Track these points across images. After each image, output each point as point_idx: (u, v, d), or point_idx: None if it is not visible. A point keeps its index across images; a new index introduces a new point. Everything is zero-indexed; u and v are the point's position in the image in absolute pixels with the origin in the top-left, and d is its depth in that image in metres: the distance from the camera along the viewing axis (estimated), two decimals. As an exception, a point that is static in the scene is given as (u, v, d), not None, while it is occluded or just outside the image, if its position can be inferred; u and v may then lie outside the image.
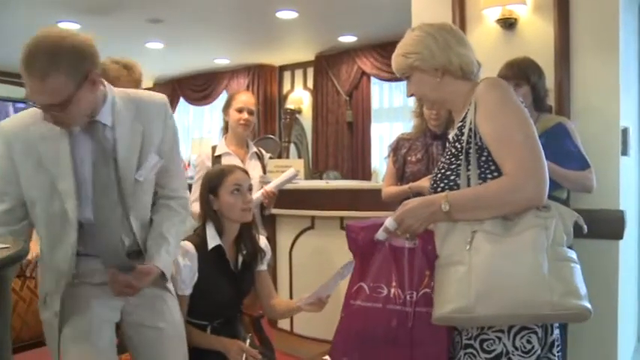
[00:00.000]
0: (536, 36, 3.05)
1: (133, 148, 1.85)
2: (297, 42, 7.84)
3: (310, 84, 8.74)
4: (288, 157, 7.63)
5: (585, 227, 1.49)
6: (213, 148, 3.19)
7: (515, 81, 2.52)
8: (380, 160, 7.72)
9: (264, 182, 3.08)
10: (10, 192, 1.83)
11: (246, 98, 3.20)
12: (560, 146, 2.51)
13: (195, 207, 2.96)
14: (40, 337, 2.04)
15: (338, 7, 6.06)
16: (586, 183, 2.55)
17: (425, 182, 2.52)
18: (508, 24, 3.11)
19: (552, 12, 2.98)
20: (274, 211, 3.44)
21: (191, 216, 3.03)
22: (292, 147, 8.12)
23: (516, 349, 1.50)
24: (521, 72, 2.59)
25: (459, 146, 1.62)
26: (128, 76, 2.61)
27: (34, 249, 1.96)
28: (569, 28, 2.93)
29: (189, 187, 3.16)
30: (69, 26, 6.53)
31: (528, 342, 1.50)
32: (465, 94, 1.65)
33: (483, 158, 1.58)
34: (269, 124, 8.97)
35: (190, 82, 9.98)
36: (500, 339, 1.52)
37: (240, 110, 3.15)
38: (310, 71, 8.72)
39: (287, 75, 9.16)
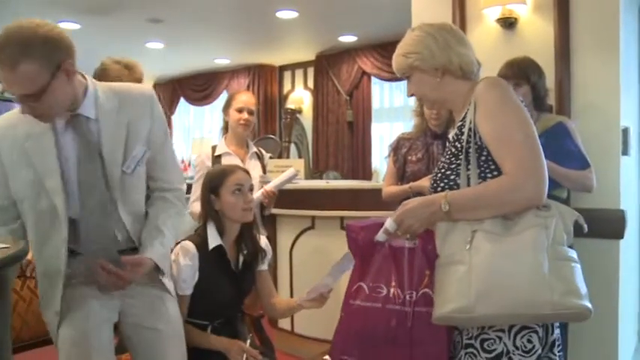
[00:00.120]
0: (537, 35, 3.04)
1: (118, 140, 1.84)
2: (297, 42, 7.84)
3: (311, 84, 8.75)
4: (288, 157, 7.63)
5: (586, 226, 1.49)
6: (213, 148, 3.19)
7: (515, 80, 2.52)
8: (380, 160, 7.72)
9: (264, 182, 3.08)
10: (0, 192, 1.84)
11: (246, 98, 3.20)
12: (560, 146, 2.50)
13: (195, 207, 2.97)
14: (40, 337, 2.05)
15: (338, 7, 6.06)
16: (586, 182, 2.55)
17: (425, 182, 2.52)
18: (508, 23, 3.11)
19: (552, 11, 2.98)
20: (275, 211, 3.44)
21: (191, 216, 3.04)
22: (293, 147, 8.12)
23: (517, 348, 1.50)
24: (521, 71, 2.59)
25: (458, 146, 1.62)
26: (129, 75, 2.61)
27: None
28: (570, 28, 2.93)
29: (189, 187, 3.17)
30: (69, 26, 6.53)
31: (529, 341, 1.50)
32: (465, 93, 1.65)
33: (483, 158, 1.57)
34: (269, 124, 8.97)
35: (191, 82, 9.98)
36: (500, 338, 1.52)
37: (240, 110, 3.15)
38: (310, 71, 8.73)
39: (287, 75, 9.17)
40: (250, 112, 3.16)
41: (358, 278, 1.78)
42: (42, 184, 1.77)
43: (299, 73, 9.00)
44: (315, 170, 8.07)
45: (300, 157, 8.08)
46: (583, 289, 1.42)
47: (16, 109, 1.78)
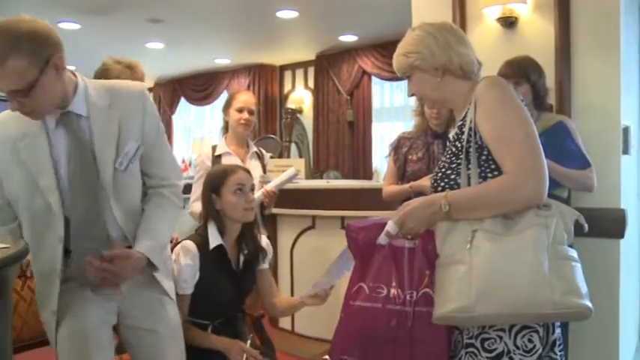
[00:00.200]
0: (537, 35, 3.04)
1: (110, 136, 1.82)
2: (297, 41, 7.84)
3: (311, 83, 8.75)
4: (289, 156, 7.64)
5: (586, 226, 1.49)
6: (214, 148, 3.19)
7: (515, 79, 2.52)
8: (381, 160, 7.72)
9: (264, 182, 3.08)
10: None
11: (246, 98, 3.20)
12: (560, 145, 2.50)
13: (195, 207, 2.97)
14: (41, 337, 2.04)
15: (338, 7, 6.06)
16: (587, 182, 2.55)
17: (426, 181, 2.52)
18: (508, 23, 3.11)
19: (553, 11, 2.98)
20: (275, 210, 3.44)
21: (191, 216, 3.04)
22: (293, 146, 8.12)
23: (517, 348, 1.50)
24: (521, 70, 2.59)
25: (459, 145, 1.62)
26: (131, 75, 2.61)
27: None
28: (570, 27, 2.93)
29: (190, 186, 3.17)
30: (69, 26, 6.54)
31: (530, 341, 1.50)
32: (465, 93, 1.65)
33: (483, 157, 1.57)
34: (270, 124, 8.97)
35: (191, 82, 9.99)
36: (501, 338, 1.51)
37: (240, 110, 3.15)
38: (311, 71, 8.73)
39: (288, 74, 9.17)
40: (250, 112, 3.16)
41: (358, 279, 1.78)
42: (36, 184, 1.76)
43: (299, 72, 9.00)
44: (315, 170, 8.07)
45: (300, 156, 8.08)
46: (583, 288, 1.42)
47: (9, 109, 1.77)
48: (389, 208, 2.77)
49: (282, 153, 7.45)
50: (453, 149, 1.65)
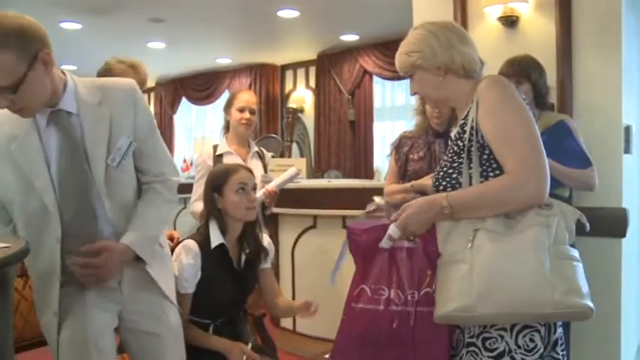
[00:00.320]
0: (538, 34, 3.04)
1: (101, 133, 1.81)
2: (298, 41, 7.84)
3: (312, 83, 8.75)
4: (290, 156, 7.64)
5: (588, 225, 1.49)
6: (215, 148, 3.19)
7: (515, 78, 2.52)
8: (382, 159, 7.72)
9: (265, 181, 3.08)
10: None
11: (247, 97, 3.20)
12: (562, 144, 2.50)
13: (197, 206, 2.97)
14: (42, 337, 2.04)
15: (339, 6, 6.06)
16: (588, 181, 2.54)
17: (427, 180, 2.51)
18: (510, 22, 3.11)
19: (554, 9, 2.97)
20: (276, 210, 3.44)
21: (192, 215, 3.04)
22: (294, 146, 8.12)
23: (519, 347, 1.50)
24: (521, 69, 2.58)
25: (460, 144, 1.62)
26: (134, 75, 2.62)
27: None
28: (571, 26, 2.92)
29: (191, 186, 3.17)
30: (71, 26, 6.55)
31: (531, 340, 1.50)
32: (467, 92, 1.65)
33: (485, 156, 1.57)
34: (271, 124, 8.97)
35: (192, 82, 9.99)
36: (502, 337, 1.52)
37: (241, 110, 3.15)
38: (312, 70, 8.72)
39: (289, 74, 9.17)
40: (252, 112, 3.16)
41: (360, 281, 1.77)
42: (30, 184, 1.75)
43: (301, 72, 9.00)
44: (317, 169, 8.07)
45: (302, 156, 8.08)
46: (585, 288, 1.42)
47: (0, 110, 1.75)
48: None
49: (283, 152, 7.44)
50: (455, 148, 1.65)
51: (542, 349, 1.51)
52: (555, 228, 1.46)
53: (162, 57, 8.31)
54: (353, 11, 6.26)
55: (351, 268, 1.86)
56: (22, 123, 1.75)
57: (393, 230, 1.62)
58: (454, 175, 1.62)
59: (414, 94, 1.79)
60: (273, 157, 3.52)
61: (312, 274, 3.84)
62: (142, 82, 2.67)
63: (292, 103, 8.84)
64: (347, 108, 8.21)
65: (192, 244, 2.26)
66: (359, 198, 3.66)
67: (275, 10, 6.17)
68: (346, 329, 1.78)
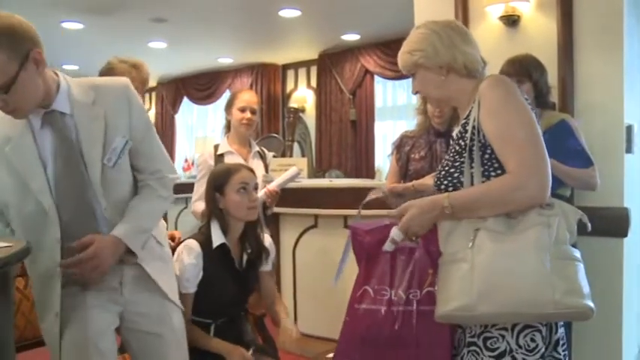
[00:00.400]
0: (540, 33, 3.03)
1: (96, 133, 1.79)
2: (300, 40, 7.84)
3: (314, 82, 8.75)
4: (291, 155, 7.64)
5: (589, 225, 1.49)
6: (216, 147, 3.19)
7: (517, 78, 2.51)
8: (383, 159, 7.72)
9: (266, 181, 3.08)
10: None
11: (248, 97, 3.19)
12: (563, 144, 2.50)
13: (198, 206, 2.97)
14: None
15: (341, 6, 6.05)
16: (590, 181, 2.54)
17: (428, 180, 2.51)
18: (511, 21, 3.10)
19: (555, 9, 2.97)
20: (278, 209, 3.44)
21: (193, 215, 3.04)
22: (296, 146, 8.13)
23: (520, 347, 1.50)
24: (522, 69, 2.58)
25: (462, 143, 1.62)
26: (137, 75, 2.62)
27: None
28: (573, 25, 2.92)
29: (192, 186, 3.17)
30: (72, 26, 6.55)
31: (532, 340, 1.50)
32: (469, 91, 1.65)
33: (487, 156, 1.57)
34: (272, 123, 8.97)
35: (194, 82, 9.99)
36: (503, 337, 1.51)
37: (242, 110, 3.14)
38: (314, 70, 8.72)
39: (290, 74, 9.17)
40: (253, 112, 3.15)
41: (363, 282, 1.77)
42: (26, 186, 1.74)
43: (302, 71, 8.99)
44: (318, 169, 8.07)
45: (303, 155, 8.08)
46: (586, 288, 1.42)
47: None
48: (391, 207, 2.77)
49: (284, 152, 7.45)
50: (457, 147, 1.65)
51: (543, 349, 1.50)
52: (556, 228, 1.45)
53: (164, 57, 8.31)
54: (354, 11, 6.25)
55: (354, 268, 1.86)
56: (16, 125, 1.74)
57: (395, 233, 1.62)
58: (456, 175, 1.62)
59: (416, 92, 1.79)
60: (274, 156, 3.52)
61: (314, 274, 3.84)
62: (144, 82, 2.68)
63: (293, 103, 8.84)
64: (348, 107, 8.21)
65: (193, 243, 2.26)
66: (360, 198, 3.66)
67: (276, 10, 6.16)
68: (348, 330, 1.78)
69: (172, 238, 2.62)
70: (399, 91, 8.02)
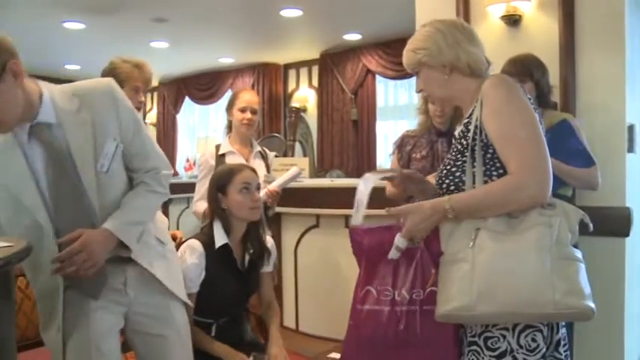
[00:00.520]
0: (541, 32, 3.03)
1: (86, 139, 1.76)
2: (301, 40, 7.84)
3: (315, 82, 8.74)
4: (293, 155, 7.65)
5: (591, 225, 1.49)
6: (217, 147, 3.19)
7: (518, 77, 2.50)
8: (385, 158, 7.71)
9: (267, 181, 3.08)
10: None
11: (249, 97, 3.19)
12: (565, 143, 2.50)
13: (199, 206, 2.98)
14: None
15: (342, 5, 6.05)
16: (591, 180, 2.54)
17: (430, 179, 2.51)
18: (513, 20, 3.10)
19: (557, 8, 2.97)
20: (279, 209, 3.44)
21: (195, 215, 3.05)
22: (297, 145, 8.13)
23: (521, 347, 1.50)
24: (524, 68, 2.58)
25: (464, 143, 1.62)
26: (139, 74, 2.63)
27: None
28: (574, 25, 2.91)
29: (194, 185, 3.18)
30: (74, 26, 6.56)
31: (533, 340, 1.50)
32: (473, 91, 1.65)
33: (489, 155, 1.57)
34: (274, 123, 8.97)
35: (195, 81, 9.99)
36: (504, 337, 1.51)
37: (243, 110, 3.14)
38: (315, 69, 8.72)
39: (292, 73, 9.16)
40: (253, 112, 3.15)
41: (365, 282, 1.76)
42: (20, 203, 1.72)
43: (304, 71, 8.99)
44: (319, 169, 8.07)
45: (304, 155, 8.08)
46: (586, 289, 1.42)
47: None
48: (393, 206, 2.76)
49: (286, 152, 7.45)
50: (459, 147, 1.65)
51: (544, 349, 1.50)
52: (558, 228, 1.45)
53: (165, 57, 8.32)
54: (356, 10, 6.25)
55: (355, 268, 1.85)
56: (4, 141, 1.71)
57: (399, 241, 1.62)
58: (457, 174, 1.62)
59: (420, 91, 1.79)
60: (276, 156, 3.53)
61: (315, 274, 3.85)
62: (146, 82, 2.68)
63: (295, 103, 8.84)
64: (350, 107, 8.21)
65: (196, 243, 2.27)
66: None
67: (278, 10, 6.17)
68: (353, 333, 1.76)
69: (174, 238, 2.62)
70: (400, 90, 8.02)
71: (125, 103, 1.86)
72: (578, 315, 1.44)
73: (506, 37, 3.14)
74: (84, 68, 8.65)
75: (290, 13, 6.27)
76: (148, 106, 10.92)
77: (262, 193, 2.97)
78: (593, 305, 1.41)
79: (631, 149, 2.93)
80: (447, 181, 1.64)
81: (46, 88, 1.76)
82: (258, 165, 3.16)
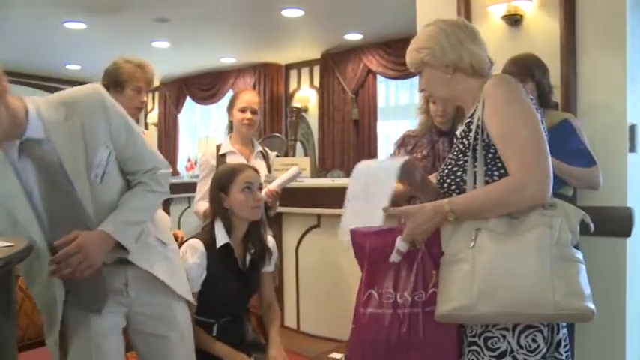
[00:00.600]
0: (542, 32, 3.03)
1: (76, 149, 1.73)
2: (303, 40, 7.84)
3: (316, 82, 8.74)
4: (294, 155, 7.64)
5: (592, 226, 1.49)
6: (218, 147, 3.19)
7: (519, 77, 2.50)
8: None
9: (268, 181, 3.08)
10: None
11: (249, 97, 3.18)
12: (566, 143, 2.49)
13: (200, 206, 2.98)
14: (47, 336, 2.05)
15: (344, 5, 6.05)
16: (592, 180, 2.54)
17: (431, 179, 2.51)
18: (514, 20, 3.10)
19: (558, 8, 2.96)
20: (280, 209, 3.44)
21: (196, 215, 3.05)
22: (298, 145, 8.12)
23: (521, 347, 1.50)
24: (525, 68, 2.58)
25: (466, 142, 1.62)
26: (142, 74, 2.63)
27: None
28: (575, 25, 2.91)
29: (195, 185, 3.18)
30: (75, 26, 6.56)
31: (533, 340, 1.50)
32: (475, 90, 1.65)
33: (490, 155, 1.57)
34: (275, 123, 8.97)
35: (197, 81, 10.00)
36: (504, 337, 1.51)
37: (243, 110, 3.13)
38: (316, 69, 8.72)
39: (293, 73, 9.17)
40: (253, 112, 3.14)
41: (367, 285, 1.76)
42: (15, 219, 1.71)
43: (305, 71, 8.99)
44: (320, 169, 8.07)
45: (305, 155, 8.07)
46: (586, 290, 1.42)
47: None
48: (393, 205, 2.76)
49: (287, 152, 7.44)
50: (460, 146, 1.65)
51: (544, 350, 1.50)
52: (558, 229, 1.45)
53: (167, 56, 8.32)
54: (357, 11, 6.25)
55: (357, 269, 1.85)
56: None
57: (400, 245, 1.62)
58: (459, 174, 1.62)
59: (422, 90, 1.79)
60: (277, 156, 3.53)
61: (316, 273, 3.85)
62: (149, 82, 2.69)
63: (296, 103, 8.84)
64: (351, 107, 8.20)
65: (198, 243, 2.27)
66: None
67: (279, 10, 6.17)
68: (356, 337, 1.76)
69: (175, 238, 2.62)
70: (401, 90, 8.01)
71: (114, 107, 1.82)
72: (578, 316, 1.44)
73: (507, 36, 3.14)
74: (85, 68, 8.65)
75: (291, 13, 6.27)
76: (150, 106, 10.92)
77: (262, 193, 2.97)
78: (593, 306, 1.40)
79: (632, 149, 2.93)
80: (449, 180, 1.64)
81: (32, 102, 1.71)
82: (259, 165, 3.16)
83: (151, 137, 2.96)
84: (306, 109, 8.69)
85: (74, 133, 1.73)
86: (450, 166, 1.66)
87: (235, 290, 2.32)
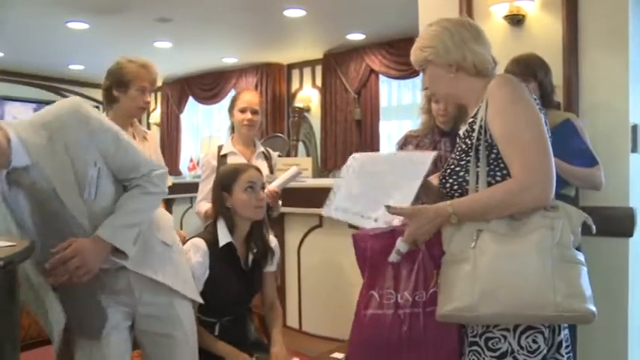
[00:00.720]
0: (544, 32, 3.03)
1: (64, 169, 1.70)
2: (305, 40, 7.83)
3: (319, 82, 8.74)
4: (296, 155, 7.64)
5: (594, 227, 1.48)
6: (219, 148, 3.19)
7: (521, 77, 2.50)
8: (388, 158, 7.68)
9: (268, 182, 3.08)
10: None
11: (249, 97, 3.16)
12: (568, 143, 2.49)
13: (202, 206, 2.98)
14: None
15: (346, 5, 6.05)
16: (594, 180, 2.53)
17: (433, 179, 2.51)
18: (516, 20, 3.10)
19: (560, 8, 2.96)
20: (282, 209, 3.44)
21: (197, 215, 3.05)
22: (301, 145, 8.12)
23: (522, 348, 1.50)
24: (527, 68, 2.57)
25: (469, 142, 1.62)
26: (145, 74, 2.63)
27: None
28: (578, 24, 2.91)
29: (197, 185, 3.18)
30: (77, 26, 6.57)
31: (534, 342, 1.50)
32: (478, 90, 1.65)
33: (493, 155, 1.57)
34: (277, 123, 8.97)
35: (199, 81, 10.00)
36: (505, 338, 1.51)
37: (243, 110, 3.11)
38: (319, 69, 8.71)
39: (295, 73, 9.16)
40: (254, 112, 3.12)
41: (369, 287, 1.76)
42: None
43: (307, 71, 8.99)
44: (323, 169, 8.07)
45: (308, 155, 8.07)
46: (587, 291, 1.41)
47: None
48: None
49: (289, 152, 7.44)
50: (463, 146, 1.65)
51: (545, 351, 1.50)
52: (560, 230, 1.45)
53: (169, 56, 8.33)
54: (359, 10, 6.24)
55: (357, 268, 1.85)
56: None
57: (401, 245, 1.62)
58: (461, 173, 1.62)
59: (426, 89, 1.80)
60: (279, 156, 3.52)
61: (318, 274, 3.85)
62: (152, 82, 2.69)
63: (298, 103, 8.84)
64: (353, 107, 8.20)
65: (200, 242, 2.27)
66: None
67: (281, 10, 6.16)
68: (357, 338, 1.76)
69: (177, 239, 2.62)
70: (404, 90, 8.01)
71: (97, 121, 1.78)
72: (578, 318, 1.43)
73: (509, 36, 3.13)
74: (87, 68, 8.66)
75: (293, 13, 6.27)
76: (152, 106, 10.93)
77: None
78: (594, 308, 1.40)
79: (634, 149, 2.92)
80: (451, 180, 1.64)
81: (12, 129, 1.66)
82: (261, 166, 3.14)
83: (153, 137, 2.95)
84: (308, 109, 8.69)
85: (59, 155, 1.70)
86: (452, 166, 1.66)
87: (238, 290, 2.33)
